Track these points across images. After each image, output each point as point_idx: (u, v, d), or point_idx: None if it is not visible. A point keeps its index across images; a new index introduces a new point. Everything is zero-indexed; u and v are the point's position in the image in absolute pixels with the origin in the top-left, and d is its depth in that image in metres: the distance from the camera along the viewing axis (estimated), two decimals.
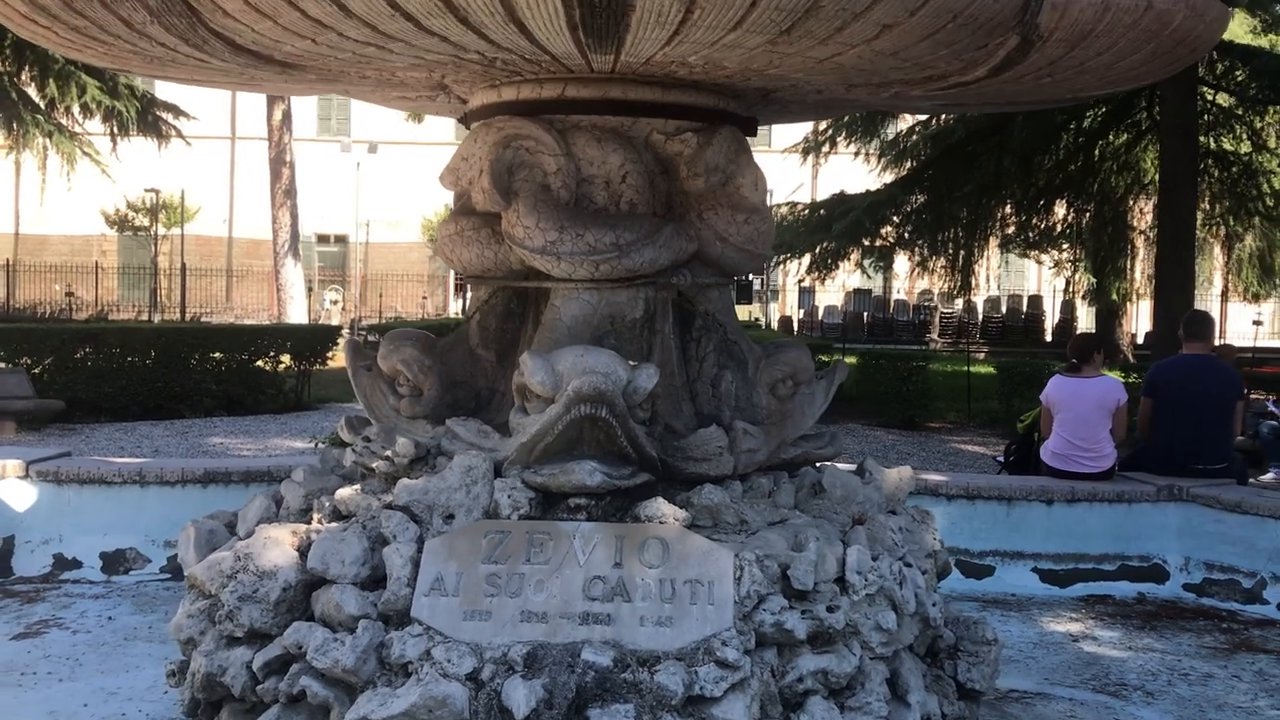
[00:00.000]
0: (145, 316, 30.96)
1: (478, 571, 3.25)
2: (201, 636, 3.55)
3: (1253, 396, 11.66)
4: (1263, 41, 18.18)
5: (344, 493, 3.60)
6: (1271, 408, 10.86)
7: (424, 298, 40.00)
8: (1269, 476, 10.11)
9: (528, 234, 3.58)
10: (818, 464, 4.01)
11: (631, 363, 3.46)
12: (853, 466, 4.03)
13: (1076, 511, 6.50)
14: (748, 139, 4.01)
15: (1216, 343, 11.68)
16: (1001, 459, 8.62)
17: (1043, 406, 7.20)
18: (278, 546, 3.48)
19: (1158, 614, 6.06)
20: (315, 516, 3.64)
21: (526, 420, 3.43)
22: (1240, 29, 18.66)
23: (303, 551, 3.46)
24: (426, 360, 3.87)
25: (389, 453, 3.60)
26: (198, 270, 34.42)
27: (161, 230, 33.82)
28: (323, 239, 41.92)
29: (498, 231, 3.78)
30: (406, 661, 3.09)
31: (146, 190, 31.99)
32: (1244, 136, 17.97)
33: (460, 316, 30.58)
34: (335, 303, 33.92)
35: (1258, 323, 27.93)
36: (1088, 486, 6.56)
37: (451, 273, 37.48)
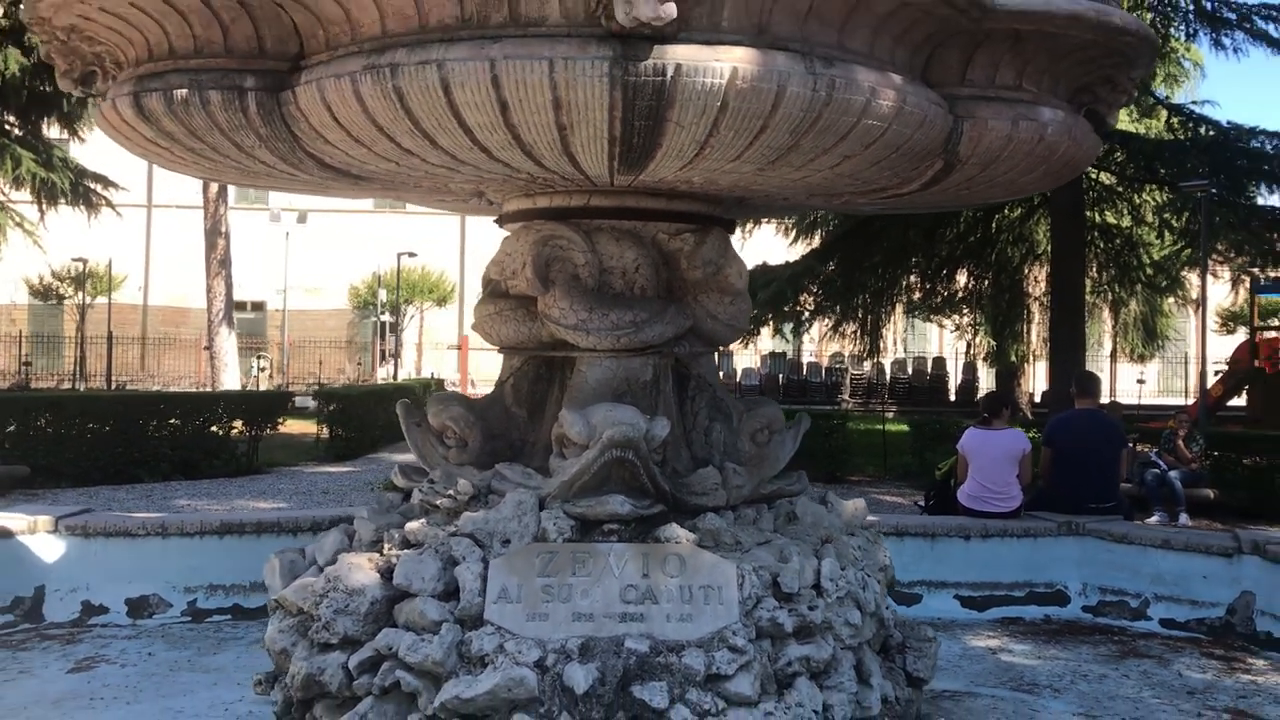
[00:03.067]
0: (66, 385, 30.83)
1: (534, 584, 4.07)
2: (294, 647, 4.30)
3: (1139, 448, 12.95)
4: (1140, 127, 19.94)
5: (413, 525, 4.39)
6: (1154, 458, 12.09)
7: (340, 371, 40.25)
8: (1154, 519, 11.33)
9: (563, 314, 4.47)
10: (790, 497, 4.92)
11: (647, 415, 4.35)
12: (818, 498, 4.95)
13: (990, 546, 7.50)
14: (730, 236, 4.97)
15: (1105, 400, 12.98)
16: (922, 503, 9.64)
17: (959, 455, 8.24)
18: (361, 570, 4.26)
19: (1061, 631, 7.06)
20: (386, 546, 4.42)
21: (565, 463, 4.29)
22: (1122, 115, 20.43)
23: (383, 573, 4.25)
24: (470, 416, 4.71)
25: (451, 492, 4.41)
26: (123, 339, 34.35)
27: (86, 299, 33.77)
28: (240, 305, 42.09)
29: (531, 311, 4.66)
30: (484, 654, 3.89)
31: (74, 259, 32.01)
32: (1125, 211, 19.64)
33: (388, 382, 31.07)
34: (263, 369, 34.14)
35: (1141, 381, 29.83)
36: (999, 524, 7.58)
37: (377, 340, 37.92)
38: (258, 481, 13.93)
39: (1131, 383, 31.81)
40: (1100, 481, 8.01)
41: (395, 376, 33.90)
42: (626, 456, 4.15)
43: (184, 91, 4.06)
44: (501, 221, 4.99)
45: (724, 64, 3.58)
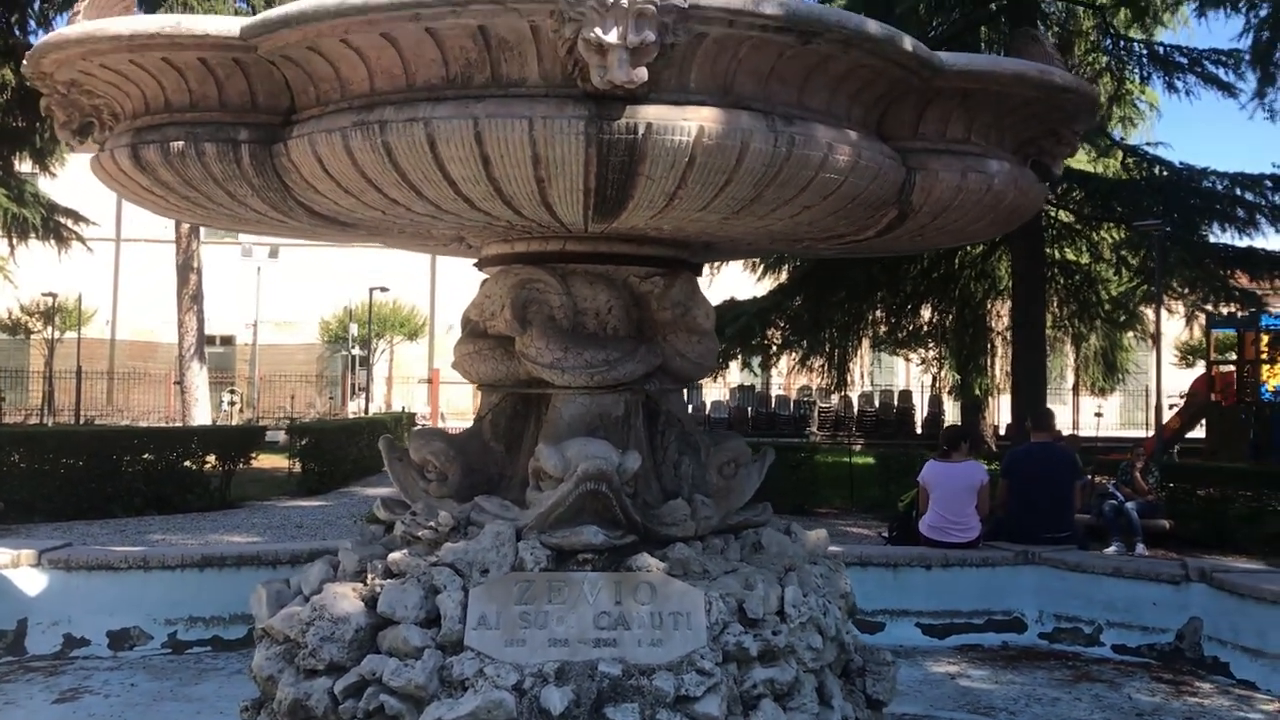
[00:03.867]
0: (33, 420, 30.67)
1: (512, 611, 4.28)
2: (280, 674, 4.49)
3: (1097, 480, 13.30)
4: (1097, 167, 20.48)
5: (396, 556, 4.59)
6: (1112, 490, 12.42)
7: (310, 405, 40.19)
8: (1111, 549, 11.64)
9: (539, 353, 4.70)
10: (756, 528, 5.15)
11: (619, 450, 4.58)
12: (783, 529, 5.19)
13: (950, 575, 7.76)
14: (698, 278, 5.23)
15: (1066, 432, 13.32)
16: (886, 534, 9.91)
17: (920, 487, 8.52)
18: (346, 599, 4.46)
19: (1018, 657, 7.32)
20: (370, 576, 4.61)
21: (542, 496, 4.51)
22: (1081, 155, 20.97)
23: (367, 601, 4.44)
24: (451, 451, 4.92)
25: (432, 524, 4.62)
26: (91, 373, 34.22)
27: (55, 334, 33.68)
28: (210, 340, 41.99)
29: (509, 350, 4.89)
30: (464, 678, 4.09)
31: (44, 294, 31.94)
32: (1084, 248, 20.14)
33: (359, 416, 31.12)
34: (233, 404, 34.09)
35: (1098, 414, 30.36)
36: (958, 554, 7.85)
37: (347, 374, 37.94)
38: (231, 516, 14.01)
39: (1091, 415, 32.31)
40: (1055, 512, 8.29)
41: (366, 411, 33.93)
42: (599, 489, 4.37)
43: (180, 144, 4.28)
44: (481, 265, 5.23)
45: (691, 123, 3.85)
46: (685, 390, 5.62)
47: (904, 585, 7.71)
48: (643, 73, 3.73)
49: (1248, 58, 14.61)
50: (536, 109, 3.84)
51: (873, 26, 4.07)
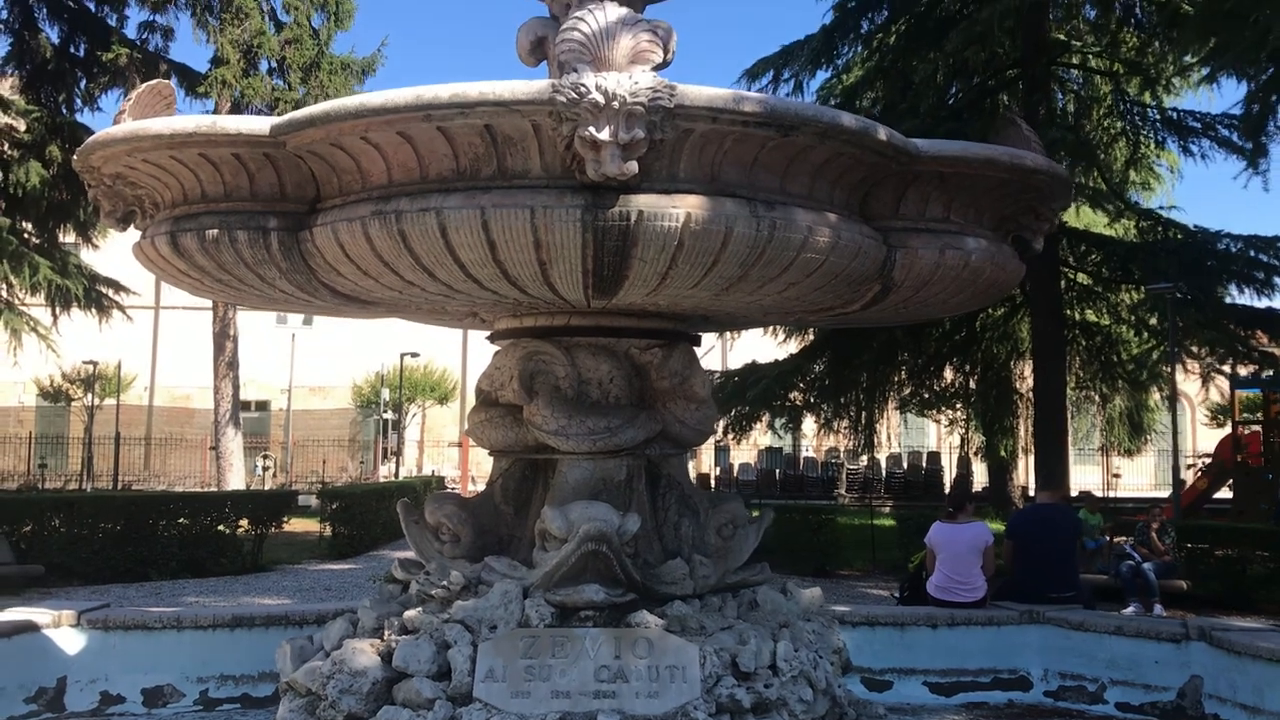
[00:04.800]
0: (72, 485, 31.26)
1: (518, 664, 4.56)
2: None
3: (1114, 540, 13.38)
4: (1115, 230, 20.70)
5: (410, 614, 4.89)
6: (1129, 550, 12.51)
7: (343, 470, 40.61)
8: (1129, 610, 11.70)
9: (545, 421, 5.03)
10: (753, 586, 5.41)
11: (620, 512, 4.87)
12: (779, 587, 5.44)
13: (956, 634, 7.92)
14: (695, 349, 5.56)
15: (1097, 494, 13.39)
16: (898, 594, 10.07)
17: (927, 548, 8.72)
18: (364, 654, 4.76)
19: (1023, 715, 7.45)
20: (386, 632, 4.91)
21: (547, 556, 4.80)
22: (1099, 219, 21.21)
23: (383, 656, 4.74)
24: (463, 514, 5.24)
25: (445, 583, 4.92)
26: (129, 439, 34.89)
27: (95, 400, 34.44)
28: (245, 405, 42.69)
29: (518, 418, 5.22)
30: None
31: (85, 362, 32.73)
32: (1104, 310, 20.29)
33: (390, 480, 31.51)
34: (267, 469, 34.62)
35: (1116, 475, 30.23)
36: (965, 613, 8.02)
37: (379, 438, 38.40)
38: (262, 579, 14.33)
39: (1128, 476, 32.18)
40: (1060, 571, 8.46)
41: (397, 474, 34.32)
42: (601, 549, 4.67)
43: (215, 231, 4.68)
44: (493, 338, 5.59)
45: (679, 210, 4.20)
46: (695, 453, 5.92)
47: (911, 644, 7.88)
48: (633, 166, 4.09)
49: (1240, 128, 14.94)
50: (538, 199, 4.21)
51: (847, 119, 4.42)
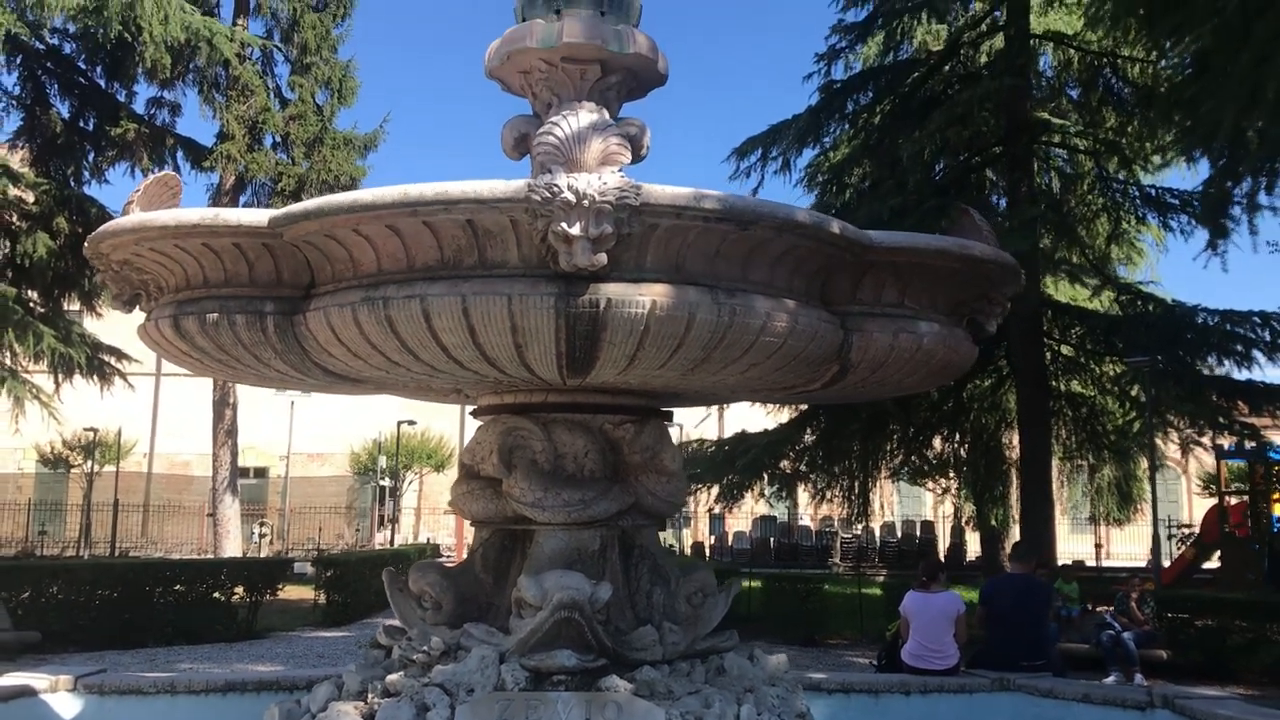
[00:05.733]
0: (70, 551, 31.36)
1: None
2: None
3: (1098, 609, 13.58)
4: (1096, 303, 21.13)
5: (393, 678, 5.14)
6: (1109, 619, 12.71)
7: (339, 537, 40.68)
8: (1110, 679, 11.88)
9: (523, 493, 5.32)
10: (721, 653, 5.66)
11: (593, 581, 5.14)
12: (746, 654, 5.69)
13: (929, 701, 8.12)
14: (666, 424, 5.87)
15: (1088, 562, 13.49)
16: (876, 662, 10.27)
17: (902, 617, 8.95)
18: (348, 716, 5.00)
19: None
20: (370, 695, 5.16)
21: (522, 622, 5.07)
22: (1081, 293, 21.63)
23: (366, 718, 4.98)
24: (445, 582, 5.51)
25: (425, 648, 5.18)
26: (127, 506, 35.05)
27: (93, 467, 34.67)
28: (243, 472, 42.85)
29: (498, 491, 5.51)
30: None
31: (86, 429, 33.02)
32: (1089, 381, 20.64)
33: (384, 548, 31.63)
34: (264, 536, 34.73)
35: (1098, 545, 30.36)
36: (937, 680, 8.23)
37: (376, 506, 38.55)
38: (256, 646, 14.48)
39: (1120, 546, 32.25)
40: (1032, 640, 8.68)
41: (392, 542, 34.43)
42: (573, 617, 4.93)
43: (215, 315, 5.02)
44: (476, 414, 5.90)
45: (645, 298, 4.53)
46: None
47: (885, 711, 8.07)
48: (603, 257, 4.44)
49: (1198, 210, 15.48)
50: (515, 287, 4.55)
51: (801, 215, 4.79)
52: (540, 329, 4.57)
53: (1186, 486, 46.79)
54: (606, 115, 5.47)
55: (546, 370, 4.91)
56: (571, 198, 4.34)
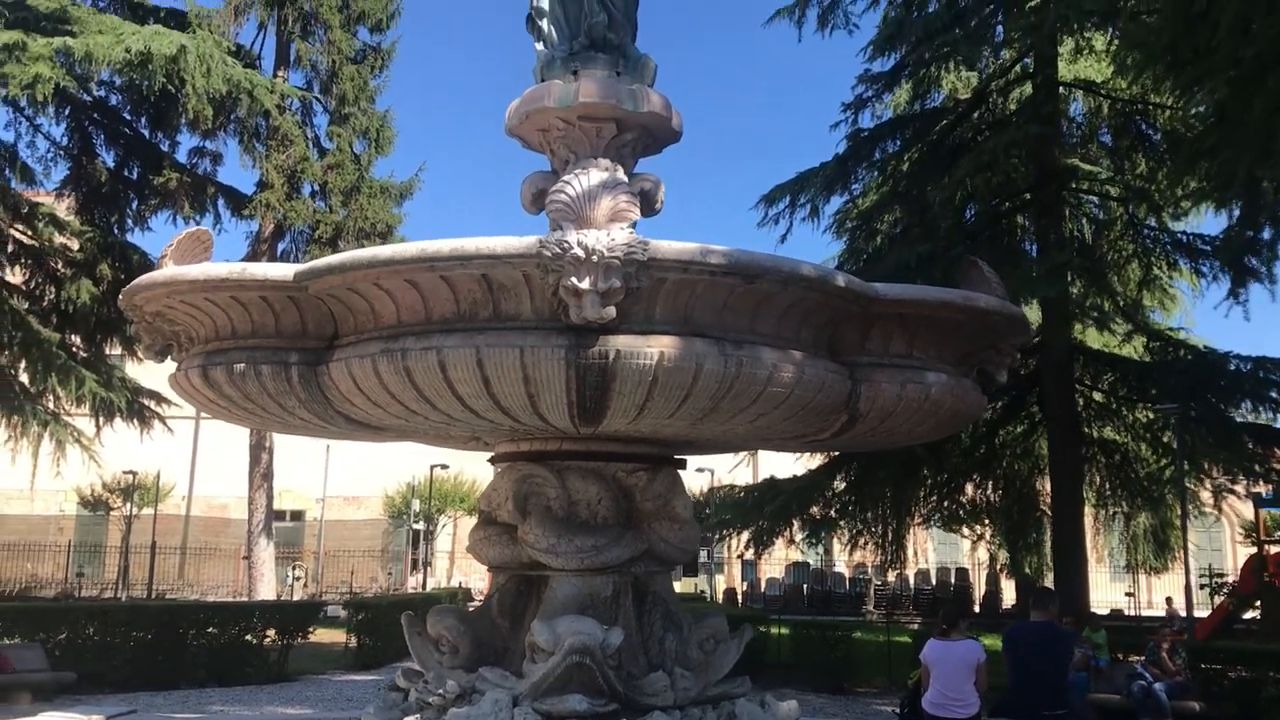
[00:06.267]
0: (108, 593, 31.72)
1: None
2: None
3: (1129, 659, 13.42)
4: (1128, 349, 20.99)
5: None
6: (1140, 670, 12.55)
7: (373, 580, 40.82)
8: None
9: (537, 539, 5.45)
10: (733, 699, 5.74)
11: (605, 626, 5.25)
12: (758, 701, 5.76)
13: None
14: (679, 472, 5.99)
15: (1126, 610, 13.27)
16: (899, 710, 10.23)
17: (922, 665, 8.92)
18: None
19: None
20: None
21: (535, 667, 5.18)
22: (1112, 340, 21.50)
23: None
24: (462, 627, 5.63)
25: (441, 691, 5.30)
26: (165, 548, 35.45)
27: (132, 510, 35.15)
28: (279, 515, 43.16)
29: (514, 537, 5.65)
30: None
31: (125, 472, 33.50)
32: (1122, 428, 20.47)
33: (416, 592, 31.75)
34: (298, 579, 34.98)
35: (1129, 594, 29.88)
36: None
37: (409, 549, 38.72)
38: (287, 689, 14.59)
39: (1157, 593, 31.66)
40: (1054, 688, 8.61)
41: (424, 585, 34.54)
42: (585, 662, 5.04)
43: (242, 365, 5.22)
44: (493, 461, 6.06)
45: (653, 349, 4.68)
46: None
47: None
48: (611, 310, 4.60)
49: (1219, 260, 15.46)
50: (527, 339, 4.71)
51: (806, 268, 4.93)
52: (552, 379, 4.72)
53: (1230, 534, 46.01)
54: (620, 173, 5.66)
55: (559, 419, 5.06)
56: (581, 253, 4.51)
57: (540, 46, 6.13)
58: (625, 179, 5.36)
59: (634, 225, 4.92)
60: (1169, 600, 24.92)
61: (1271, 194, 8.38)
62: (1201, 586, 23.27)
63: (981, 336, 5.70)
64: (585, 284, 4.52)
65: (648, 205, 5.92)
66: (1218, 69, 9.58)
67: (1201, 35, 9.78)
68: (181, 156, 25.73)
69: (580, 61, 5.94)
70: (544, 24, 6.11)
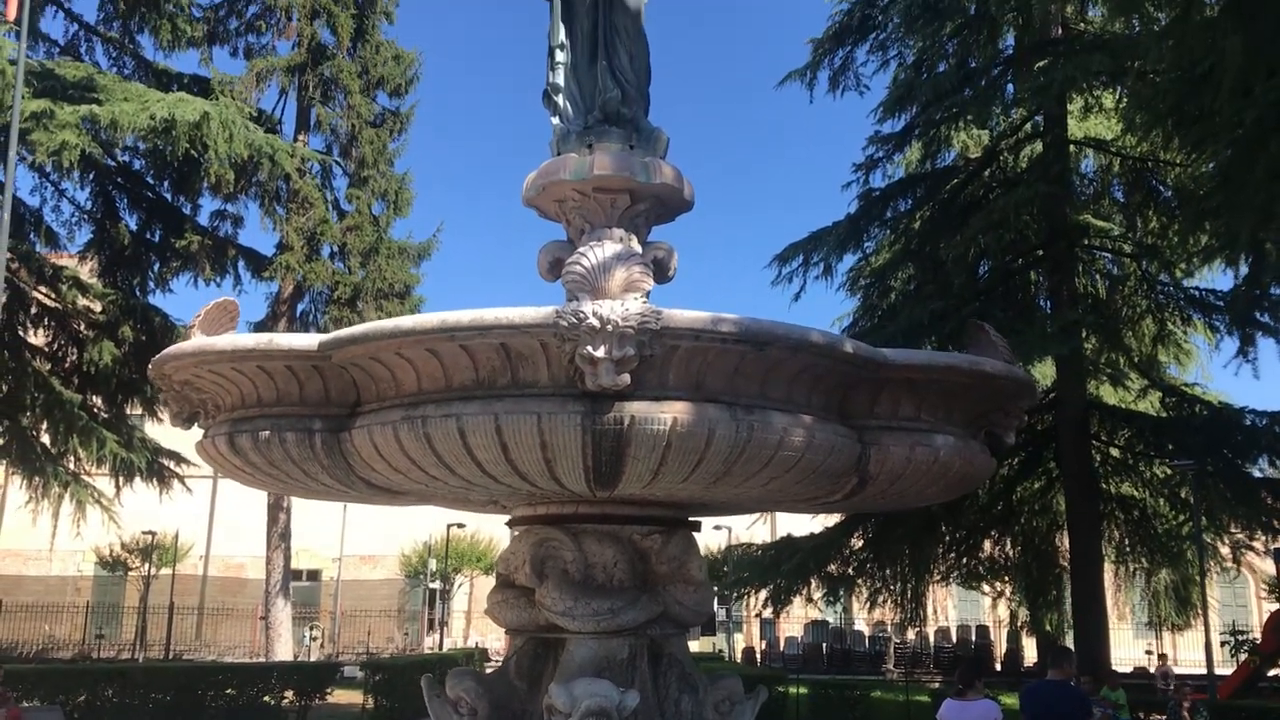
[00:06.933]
0: (125, 654, 31.71)
1: None
2: None
3: (1150, 718, 13.34)
4: (1144, 405, 21.01)
5: None
6: None
7: (389, 640, 40.69)
8: None
9: (554, 602, 5.54)
10: None
11: (621, 689, 5.32)
12: None
13: None
14: (693, 535, 6.09)
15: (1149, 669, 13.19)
16: None
17: None
18: None
19: None
20: None
21: None
22: (1128, 395, 21.52)
23: None
24: (480, 689, 5.71)
25: None
26: (182, 609, 35.47)
27: (150, 570, 35.24)
28: (296, 574, 43.13)
29: (531, 600, 5.74)
30: None
31: (144, 532, 33.64)
32: (1139, 483, 20.42)
33: (433, 652, 31.64)
34: (315, 639, 34.92)
35: (1149, 653, 29.50)
36: None
37: (426, 609, 38.63)
38: None
39: (1190, 650, 31.21)
40: None
41: (441, 645, 34.42)
42: None
43: (267, 433, 5.36)
44: (511, 524, 6.17)
45: (667, 415, 4.80)
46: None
47: None
48: (626, 378, 4.73)
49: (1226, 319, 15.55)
50: (544, 406, 4.84)
51: (815, 335, 5.06)
52: (568, 445, 4.85)
53: (1255, 590, 45.47)
54: (634, 242, 5.84)
55: (575, 483, 5.17)
56: (596, 323, 4.65)
57: (556, 121, 6.34)
58: (639, 250, 5.52)
59: (647, 295, 5.07)
60: (1162, 657, 24.63)
61: (1275, 255, 8.50)
62: (1223, 644, 22.98)
63: (988, 400, 5.80)
64: (600, 352, 4.66)
65: (661, 273, 6.08)
66: (1221, 130, 9.76)
67: (1205, 97, 9.97)
68: (203, 219, 26.17)
69: (595, 135, 6.14)
70: (560, 99, 6.32)
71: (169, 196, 25.94)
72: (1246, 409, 17.67)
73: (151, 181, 25.85)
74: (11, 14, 17.33)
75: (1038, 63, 18.49)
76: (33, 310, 23.66)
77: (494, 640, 38.45)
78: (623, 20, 6.37)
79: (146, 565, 35.65)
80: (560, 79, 6.32)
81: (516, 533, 6.04)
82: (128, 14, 24.64)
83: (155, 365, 5.71)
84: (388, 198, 26.83)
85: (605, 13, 6.37)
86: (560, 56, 6.39)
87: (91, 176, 24.66)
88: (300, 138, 26.60)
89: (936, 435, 5.59)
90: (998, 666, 33.51)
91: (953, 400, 5.71)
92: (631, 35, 6.39)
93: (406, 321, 5.02)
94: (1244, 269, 11.47)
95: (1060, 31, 19.87)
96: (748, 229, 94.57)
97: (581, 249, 5.11)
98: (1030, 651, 33.15)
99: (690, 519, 6.09)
